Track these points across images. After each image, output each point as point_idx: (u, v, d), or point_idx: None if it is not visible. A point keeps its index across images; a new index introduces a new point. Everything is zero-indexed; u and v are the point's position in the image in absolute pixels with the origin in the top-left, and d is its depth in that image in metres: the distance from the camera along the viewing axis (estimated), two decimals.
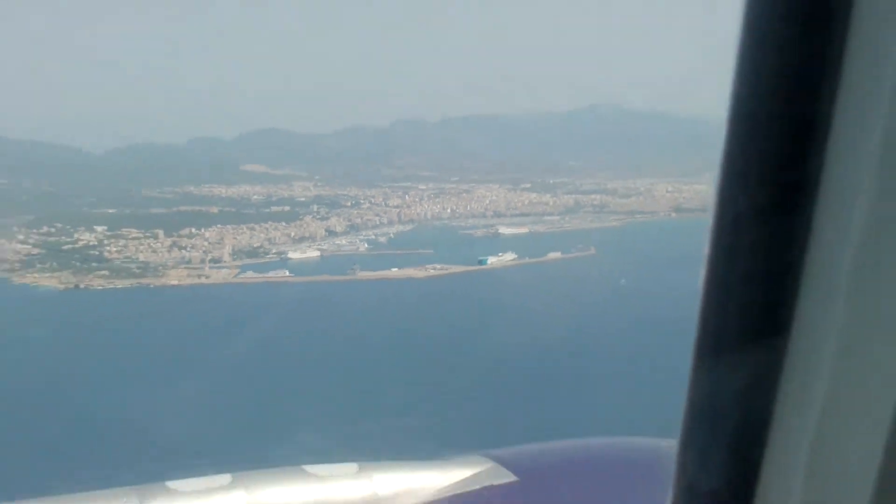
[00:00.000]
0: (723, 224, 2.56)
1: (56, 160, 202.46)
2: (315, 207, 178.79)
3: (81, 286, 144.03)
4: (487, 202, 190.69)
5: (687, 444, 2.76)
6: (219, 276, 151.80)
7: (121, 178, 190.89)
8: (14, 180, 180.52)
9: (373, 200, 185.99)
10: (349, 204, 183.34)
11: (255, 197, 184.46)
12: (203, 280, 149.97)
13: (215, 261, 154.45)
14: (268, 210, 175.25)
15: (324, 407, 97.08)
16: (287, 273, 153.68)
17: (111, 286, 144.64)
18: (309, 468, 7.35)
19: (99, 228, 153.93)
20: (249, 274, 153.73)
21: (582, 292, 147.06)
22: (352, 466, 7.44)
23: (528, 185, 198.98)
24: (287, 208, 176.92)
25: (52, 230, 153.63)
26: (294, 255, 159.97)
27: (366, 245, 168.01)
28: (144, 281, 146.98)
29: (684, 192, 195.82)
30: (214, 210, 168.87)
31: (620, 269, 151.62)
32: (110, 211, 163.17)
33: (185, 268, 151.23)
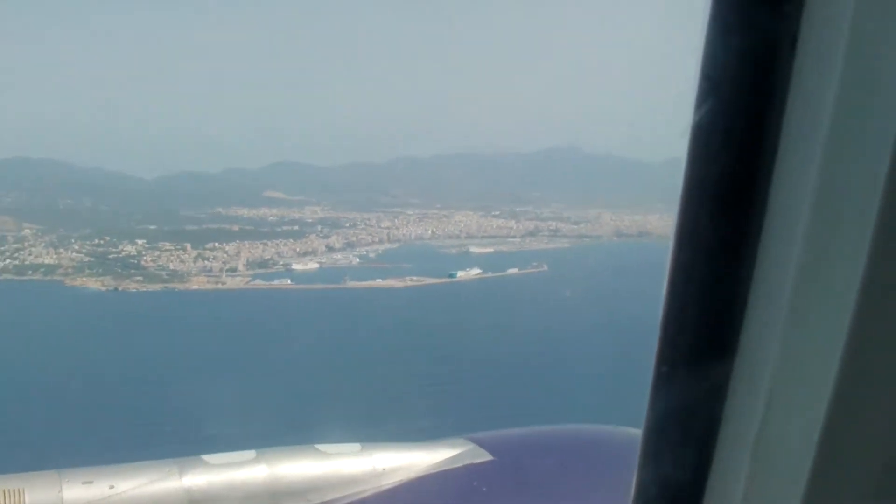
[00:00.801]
0: (681, 253, 2.59)
1: (115, 184, 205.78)
2: (319, 228, 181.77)
3: (119, 289, 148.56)
4: (462, 226, 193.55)
5: (649, 440, 2.83)
6: (233, 282, 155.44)
7: (165, 200, 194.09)
8: (78, 200, 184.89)
9: (367, 223, 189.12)
10: (348, 225, 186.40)
11: (271, 218, 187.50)
12: (220, 286, 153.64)
13: (232, 270, 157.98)
14: (280, 229, 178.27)
15: (315, 394, 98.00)
16: (289, 282, 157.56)
17: (144, 289, 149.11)
18: (320, 447, 7.54)
19: (139, 241, 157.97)
20: (258, 282, 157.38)
21: (532, 302, 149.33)
22: (355, 446, 7.65)
23: (498, 213, 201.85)
24: (296, 227, 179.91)
25: (102, 242, 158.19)
26: (297, 266, 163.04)
27: (357, 259, 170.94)
28: (171, 285, 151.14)
29: (625, 220, 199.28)
30: (235, 228, 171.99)
31: (566, 282, 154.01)
32: (151, 227, 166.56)
33: (206, 275, 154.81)
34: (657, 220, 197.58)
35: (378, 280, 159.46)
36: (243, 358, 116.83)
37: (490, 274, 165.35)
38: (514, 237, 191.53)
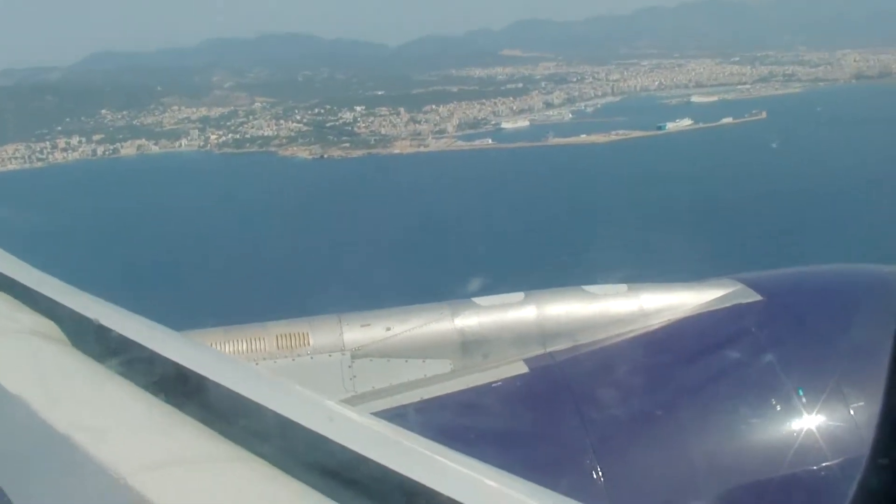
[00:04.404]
0: None
1: (357, 52, 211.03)
2: (544, 84, 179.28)
3: (325, 156, 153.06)
4: (693, 75, 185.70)
5: None
6: (436, 145, 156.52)
7: (403, 66, 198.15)
8: (316, 71, 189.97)
9: (596, 76, 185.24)
10: (575, 80, 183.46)
11: (500, 76, 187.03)
12: (421, 149, 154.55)
13: (439, 132, 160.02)
14: (504, 87, 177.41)
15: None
16: (490, 141, 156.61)
17: (348, 156, 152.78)
18: (587, 288, 7.32)
19: (358, 108, 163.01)
20: (459, 143, 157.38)
21: (732, 151, 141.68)
22: (622, 287, 7.39)
23: (737, 59, 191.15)
24: (520, 85, 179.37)
25: (322, 111, 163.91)
26: (507, 125, 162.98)
27: (570, 115, 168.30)
28: (374, 151, 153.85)
29: (870, 60, 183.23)
30: (455, 89, 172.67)
31: (783, 132, 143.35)
32: (379, 93, 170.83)
33: (411, 139, 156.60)
34: None
35: (583, 136, 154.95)
36: (415, 218, 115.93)
37: (701, 125, 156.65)
38: (744, 84, 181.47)
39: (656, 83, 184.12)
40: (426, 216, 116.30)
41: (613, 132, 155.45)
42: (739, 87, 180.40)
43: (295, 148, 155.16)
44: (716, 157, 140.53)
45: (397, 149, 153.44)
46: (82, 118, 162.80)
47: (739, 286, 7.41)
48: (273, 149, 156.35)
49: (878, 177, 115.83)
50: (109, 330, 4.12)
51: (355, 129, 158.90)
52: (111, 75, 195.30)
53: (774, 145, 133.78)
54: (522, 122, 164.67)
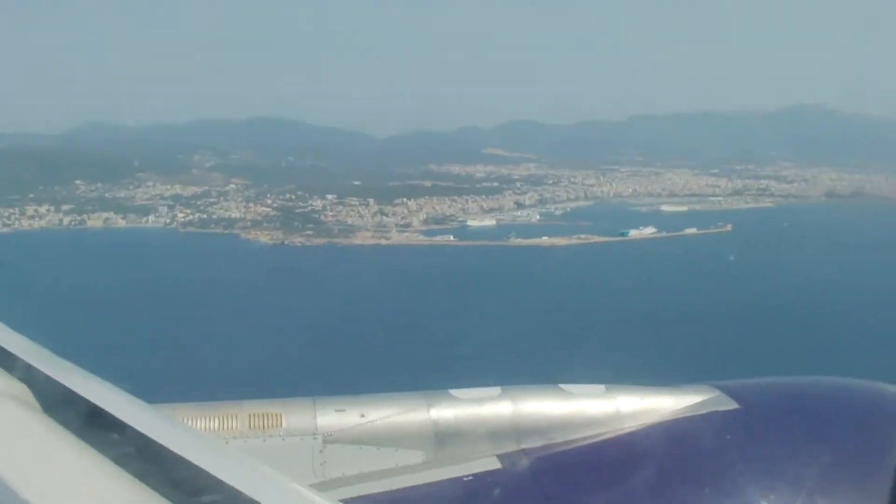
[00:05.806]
0: None
1: (345, 142, 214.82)
2: (519, 184, 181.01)
3: (285, 242, 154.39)
4: (668, 184, 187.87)
5: None
6: (398, 238, 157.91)
7: (387, 158, 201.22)
8: (301, 158, 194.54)
9: (572, 180, 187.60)
10: (551, 182, 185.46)
11: (479, 174, 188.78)
12: (382, 241, 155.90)
13: (404, 226, 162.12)
14: (480, 185, 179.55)
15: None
16: (451, 238, 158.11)
17: (308, 243, 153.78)
18: (564, 387, 7.23)
19: (329, 196, 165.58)
20: (420, 238, 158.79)
21: (686, 263, 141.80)
22: (599, 388, 7.29)
23: (716, 171, 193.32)
24: (496, 184, 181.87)
25: (294, 197, 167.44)
26: (473, 222, 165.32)
27: (537, 217, 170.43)
28: (335, 240, 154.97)
29: (845, 180, 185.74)
30: (428, 184, 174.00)
31: (745, 245, 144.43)
32: (356, 183, 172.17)
33: (375, 231, 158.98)
34: (882, 180, 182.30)
35: (545, 237, 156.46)
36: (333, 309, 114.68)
37: (664, 233, 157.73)
38: (717, 196, 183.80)
39: (630, 190, 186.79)
40: (348, 307, 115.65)
41: (576, 236, 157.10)
42: (712, 198, 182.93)
43: (258, 232, 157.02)
44: (669, 266, 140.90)
45: (359, 240, 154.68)
46: (55, 187, 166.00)
47: (717, 393, 7.40)
48: (237, 231, 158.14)
49: (831, 293, 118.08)
50: (81, 398, 4.24)
51: (322, 217, 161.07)
52: (93, 146, 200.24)
53: (732, 258, 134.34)
54: (489, 221, 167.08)
